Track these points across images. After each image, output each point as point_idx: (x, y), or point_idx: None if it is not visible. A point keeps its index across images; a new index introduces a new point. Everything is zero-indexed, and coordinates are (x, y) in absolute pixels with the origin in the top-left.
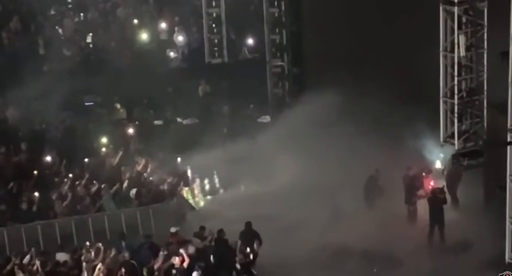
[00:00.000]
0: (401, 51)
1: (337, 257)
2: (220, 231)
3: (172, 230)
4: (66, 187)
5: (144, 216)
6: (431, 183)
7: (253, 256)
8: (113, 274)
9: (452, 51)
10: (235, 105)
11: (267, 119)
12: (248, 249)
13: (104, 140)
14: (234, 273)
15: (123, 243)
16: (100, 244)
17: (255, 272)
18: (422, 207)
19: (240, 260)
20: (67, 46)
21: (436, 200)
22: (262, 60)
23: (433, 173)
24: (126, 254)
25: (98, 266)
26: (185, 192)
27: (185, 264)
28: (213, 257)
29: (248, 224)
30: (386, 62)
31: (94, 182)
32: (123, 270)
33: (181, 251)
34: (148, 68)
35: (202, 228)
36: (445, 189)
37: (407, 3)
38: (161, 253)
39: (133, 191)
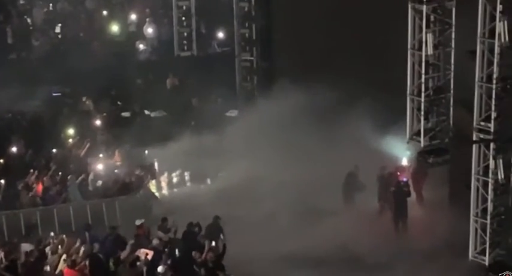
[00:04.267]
0: (370, 47)
1: (306, 252)
2: (190, 225)
3: (137, 222)
4: (32, 177)
5: (109, 208)
6: (404, 179)
7: (222, 249)
8: (78, 265)
9: (420, 49)
10: (203, 99)
11: (235, 112)
12: (213, 243)
13: (71, 131)
14: (201, 268)
15: (87, 234)
16: (64, 235)
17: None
18: None
19: (211, 257)
20: (35, 36)
21: (400, 193)
22: (231, 54)
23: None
24: (97, 246)
25: (63, 257)
26: (152, 184)
27: (149, 257)
28: (181, 250)
29: (216, 218)
30: (355, 57)
31: (60, 173)
32: (88, 261)
33: (143, 250)
34: (117, 59)
35: (165, 220)
36: (410, 183)
37: (377, 1)
38: (128, 245)
39: (100, 183)
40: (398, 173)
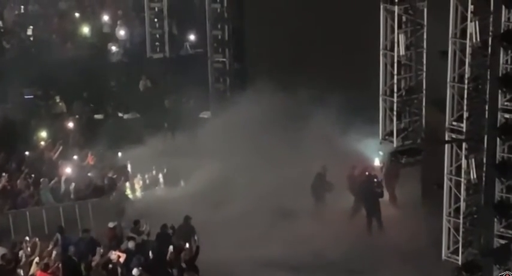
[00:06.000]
0: (343, 48)
1: (279, 254)
2: (164, 227)
3: (110, 225)
4: (4, 180)
5: (82, 211)
6: (376, 179)
7: (196, 251)
8: (50, 268)
9: (392, 49)
10: (176, 100)
11: (207, 114)
12: (187, 245)
13: (44, 133)
14: (173, 269)
15: (59, 237)
16: (37, 239)
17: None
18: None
19: (185, 255)
20: (7, 38)
21: (373, 193)
22: (204, 55)
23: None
24: (71, 249)
25: (35, 260)
26: (125, 186)
27: (121, 260)
28: (154, 252)
29: (186, 218)
30: (328, 59)
31: (32, 175)
32: (60, 264)
33: (114, 252)
34: (89, 61)
35: (137, 222)
36: (383, 183)
37: (349, 1)
38: (99, 248)
39: (72, 185)
40: (367, 173)
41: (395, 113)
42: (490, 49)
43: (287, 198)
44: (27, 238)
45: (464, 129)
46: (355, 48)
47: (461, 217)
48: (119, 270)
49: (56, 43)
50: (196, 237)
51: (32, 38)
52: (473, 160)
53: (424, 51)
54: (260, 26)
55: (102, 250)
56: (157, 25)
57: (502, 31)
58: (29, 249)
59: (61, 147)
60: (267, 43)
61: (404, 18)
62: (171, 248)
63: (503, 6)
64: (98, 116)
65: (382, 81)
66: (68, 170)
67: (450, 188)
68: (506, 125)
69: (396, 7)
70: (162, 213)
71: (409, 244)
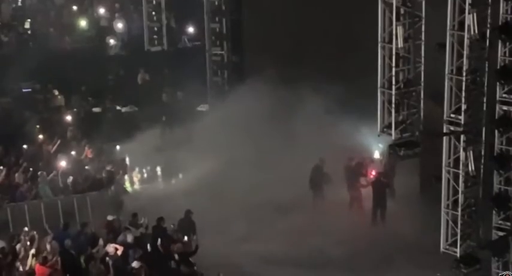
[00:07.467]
0: (341, 41)
1: (277, 250)
2: (160, 219)
3: (109, 218)
4: (2, 174)
5: (81, 204)
6: (373, 172)
7: (195, 249)
8: (49, 262)
9: (390, 42)
10: (174, 94)
11: (205, 107)
12: (186, 238)
13: (42, 127)
14: (171, 262)
15: (49, 231)
16: (35, 232)
17: (193, 262)
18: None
19: (178, 248)
20: (4, 32)
21: (380, 184)
22: (201, 48)
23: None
24: (69, 242)
25: (32, 252)
26: (123, 180)
27: (119, 253)
28: (151, 245)
29: (188, 213)
30: (326, 51)
31: (31, 169)
32: (59, 258)
33: (113, 245)
34: (87, 54)
35: (135, 215)
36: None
37: None
38: (100, 242)
39: (70, 179)
40: (365, 164)
41: (393, 105)
42: (488, 41)
43: (285, 190)
44: (25, 229)
45: (462, 122)
46: (353, 40)
47: (459, 209)
48: (110, 262)
49: (54, 36)
50: (195, 236)
51: (29, 32)
52: (471, 152)
53: (422, 43)
54: (258, 18)
55: (102, 242)
56: (155, 18)
57: (500, 23)
58: (28, 243)
59: (59, 141)
60: (265, 36)
61: (402, 11)
62: (159, 241)
63: None
64: (96, 110)
65: (380, 74)
66: (65, 164)
67: (448, 180)
68: (504, 117)
69: None
70: (160, 206)
71: (408, 236)
